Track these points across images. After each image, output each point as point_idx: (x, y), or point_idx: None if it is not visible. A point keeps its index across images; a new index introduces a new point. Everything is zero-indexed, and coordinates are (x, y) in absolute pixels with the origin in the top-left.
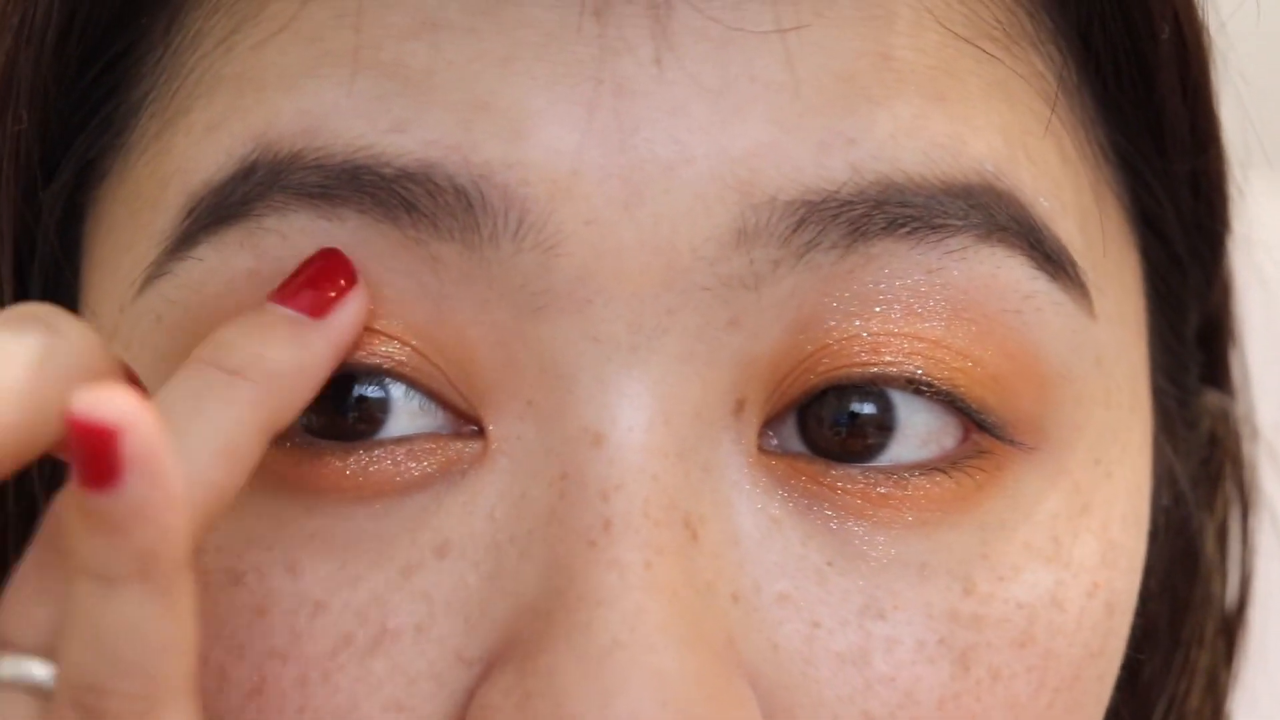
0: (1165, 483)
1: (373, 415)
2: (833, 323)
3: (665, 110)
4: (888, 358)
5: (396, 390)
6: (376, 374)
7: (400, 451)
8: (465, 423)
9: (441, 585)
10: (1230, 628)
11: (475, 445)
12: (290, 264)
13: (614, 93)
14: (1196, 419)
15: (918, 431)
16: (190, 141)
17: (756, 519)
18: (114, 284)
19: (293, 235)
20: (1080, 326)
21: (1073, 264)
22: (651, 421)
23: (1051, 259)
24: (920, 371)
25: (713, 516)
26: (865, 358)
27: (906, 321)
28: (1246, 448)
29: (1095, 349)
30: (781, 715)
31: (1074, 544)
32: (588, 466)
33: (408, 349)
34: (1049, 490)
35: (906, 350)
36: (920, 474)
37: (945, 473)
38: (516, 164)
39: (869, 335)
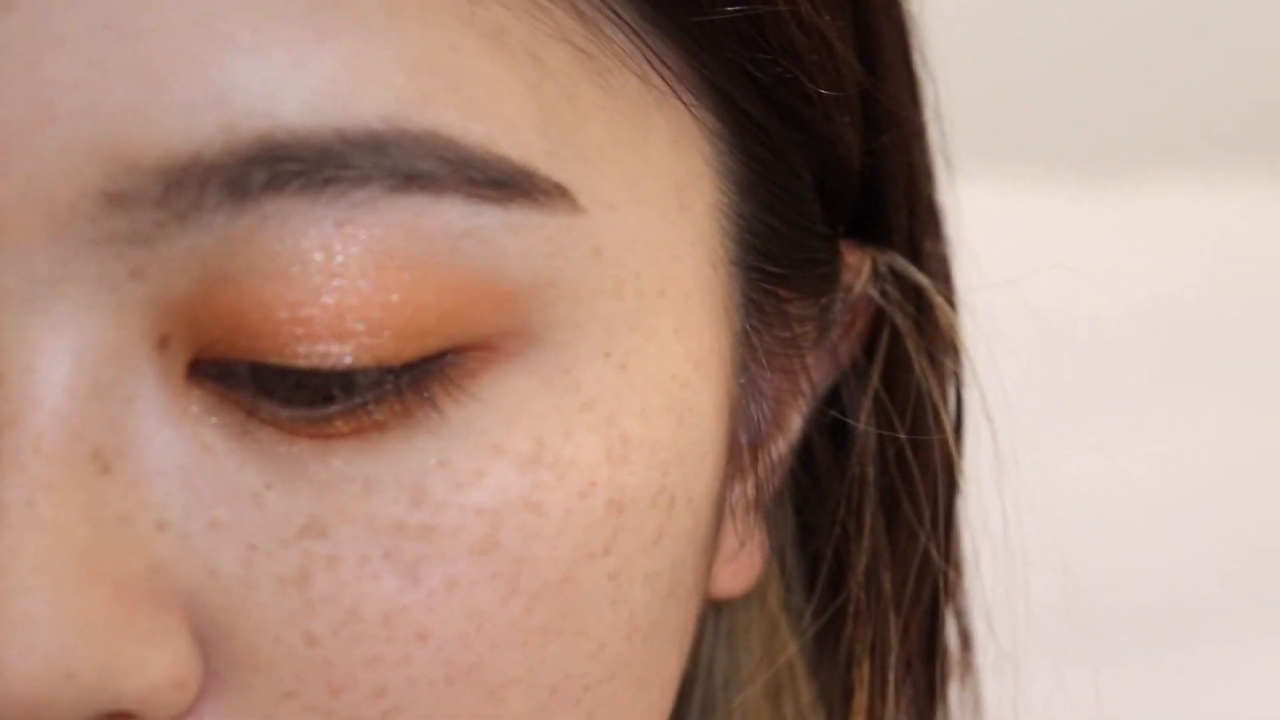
0: (752, 361)
1: None
2: (249, 283)
3: (23, 66)
4: (307, 350)
5: None
6: None
7: None
8: None
9: None
10: (889, 496)
11: None
12: None
13: None
14: (811, 284)
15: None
16: None
17: (188, 447)
18: None
19: None
20: (558, 231)
21: (530, 175)
22: (55, 362)
23: (501, 183)
24: (349, 360)
25: (133, 448)
26: (290, 348)
27: (325, 280)
28: (939, 304)
29: (590, 241)
30: (224, 639)
31: (565, 443)
32: None
33: None
34: (539, 391)
35: (336, 334)
36: (371, 401)
37: (396, 396)
38: None
39: (288, 314)
